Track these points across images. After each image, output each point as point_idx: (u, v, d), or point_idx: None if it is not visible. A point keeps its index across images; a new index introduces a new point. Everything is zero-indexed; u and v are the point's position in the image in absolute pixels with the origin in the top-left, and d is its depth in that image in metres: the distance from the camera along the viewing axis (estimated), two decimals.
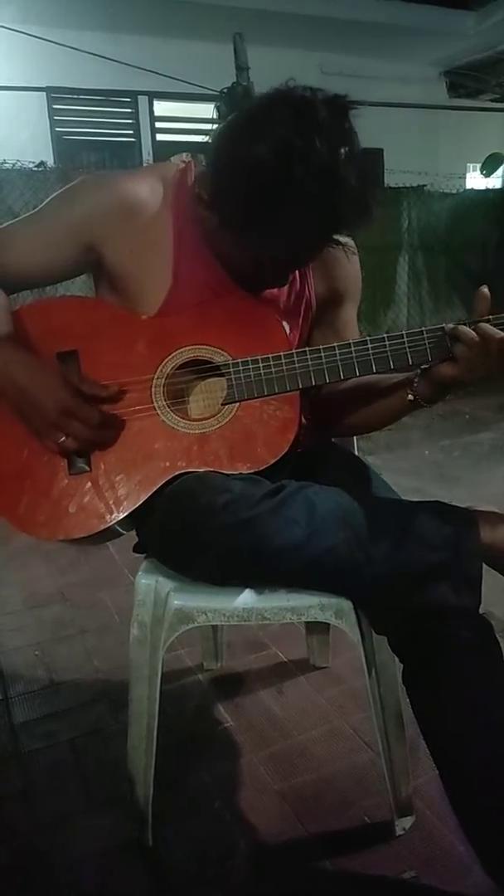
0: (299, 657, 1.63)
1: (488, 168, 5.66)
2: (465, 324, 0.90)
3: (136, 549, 1.10)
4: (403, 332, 0.93)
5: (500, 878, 0.86)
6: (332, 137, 0.82)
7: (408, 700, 0.92)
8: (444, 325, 0.91)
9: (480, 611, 0.87)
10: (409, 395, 0.99)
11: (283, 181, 0.81)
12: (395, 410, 1.04)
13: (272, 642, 1.71)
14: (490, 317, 0.89)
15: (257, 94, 0.88)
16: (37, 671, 1.64)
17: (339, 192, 0.83)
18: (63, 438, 0.94)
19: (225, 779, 1.26)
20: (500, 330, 0.87)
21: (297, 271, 1.08)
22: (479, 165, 5.85)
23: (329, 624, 0.96)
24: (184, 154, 1.05)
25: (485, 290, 0.91)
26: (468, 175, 7.28)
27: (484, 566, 0.86)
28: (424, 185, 5.60)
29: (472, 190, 6.17)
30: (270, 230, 0.87)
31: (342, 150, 0.83)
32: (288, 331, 1.03)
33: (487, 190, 5.91)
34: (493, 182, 6.02)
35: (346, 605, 0.94)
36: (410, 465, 3.24)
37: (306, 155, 0.81)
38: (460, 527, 0.85)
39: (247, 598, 0.95)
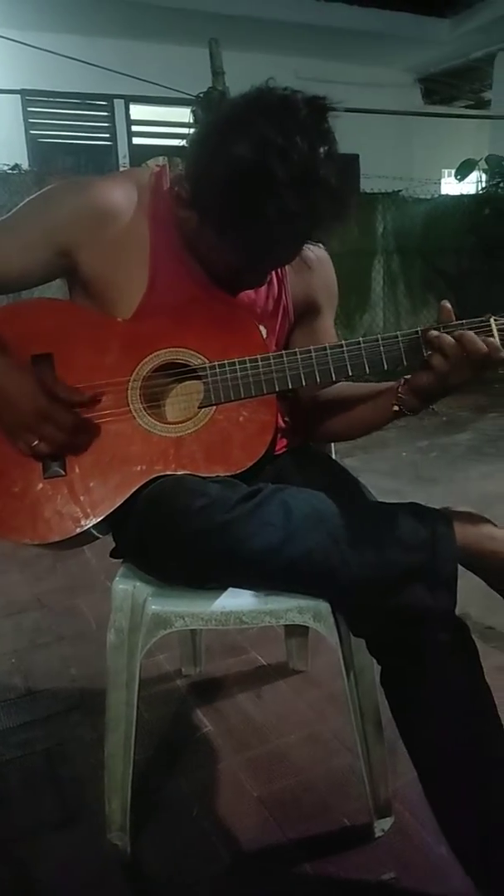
0: (278, 661, 1.62)
1: (462, 173, 5.74)
2: (439, 330, 0.90)
3: (113, 554, 1.08)
4: (378, 336, 0.93)
5: (479, 878, 0.87)
6: (311, 137, 0.83)
7: (386, 702, 0.93)
8: (418, 329, 0.92)
9: (457, 612, 0.87)
10: (395, 406, 0.98)
11: (264, 179, 0.82)
12: (379, 418, 1.04)
13: (251, 646, 1.70)
14: (463, 321, 0.90)
15: (238, 94, 0.88)
16: (13, 679, 1.61)
17: (319, 190, 0.84)
18: (36, 442, 0.93)
19: (203, 785, 1.25)
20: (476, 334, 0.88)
21: (274, 277, 1.08)
22: (453, 171, 5.93)
23: (308, 627, 0.96)
24: (160, 158, 1.05)
25: (446, 304, 0.91)
26: (443, 181, 7.38)
27: (460, 567, 0.86)
28: (400, 191, 5.66)
29: (446, 195, 6.25)
30: (251, 228, 0.87)
31: (322, 150, 0.83)
32: (265, 335, 1.03)
33: (462, 195, 5.99)
34: (467, 188, 6.10)
35: (325, 607, 0.94)
36: (388, 466, 3.26)
37: (287, 153, 0.81)
38: (436, 528, 0.85)
39: (224, 602, 0.95)
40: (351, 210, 0.89)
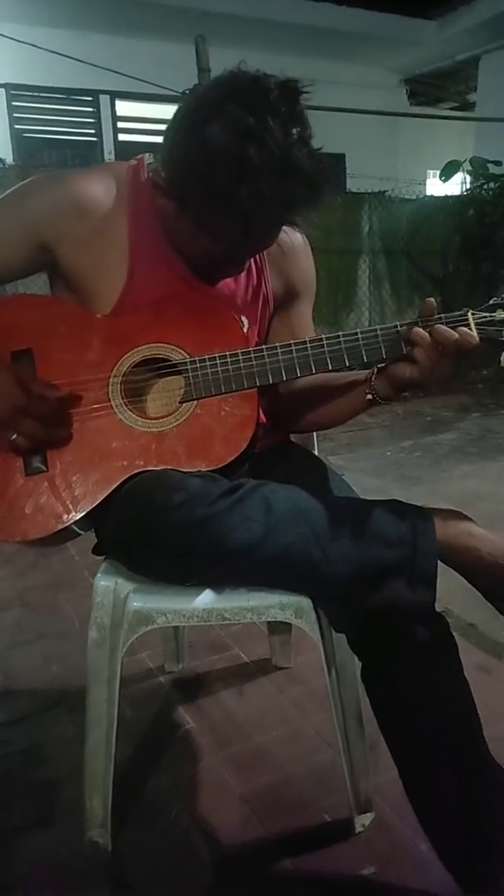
0: (262, 658, 1.63)
1: (446, 175, 5.78)
2: (418, 324, 0.91)
3: (95, 550, 1.08)
4: (358, 330, 0.94)
5: (458, 873, 0.87)
6: (284, 117, 0.83)
7: (367, 698, 0.93)
8: (398, 323, 0.92)
9: (439, 608, 0.88)
10: (368, 395, 1.00)
11: (237, 160, 0.82)
12: (354, 407, 1.05)
13: (234, 643, 1.70)
14: (442, 316, 0.90)
15: (211, 78, 0.88)
16: None
17: (292, 171, 0.84)
18: (14, 436, 0.92)
19: (185, 782, 1.25)
20: (453, 330, 0.88)
21: (254, 266, 1.08)
22: (438, 172, 5.97)
23: (291, 624, 0.96)
24: (146, 154, 1.05)
25: (431, 300, 0.92)
26: (428, 181, 7.42)
27: (443, 565, 0.87)
28: (385, 191, 5.68)
29: (431, 196, 6.29)
30: (226, 210, 0.87)
31: (294, 131, 0.84)
32: (246, 326, 1.03)
33: (447, 196, 6.02)
34: (451, 188, 6.14)
35: (306, 603, 0.94)
36: (372, 464, 3.28)
37: (259, 134, 0.81)
38: (416, 524, 0.86)
39: (206, 599, 0.95)
40: (325, 191, 0.89)
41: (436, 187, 6.85)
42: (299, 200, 0.89)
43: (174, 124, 0.89)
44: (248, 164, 0.81)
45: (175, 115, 0.89)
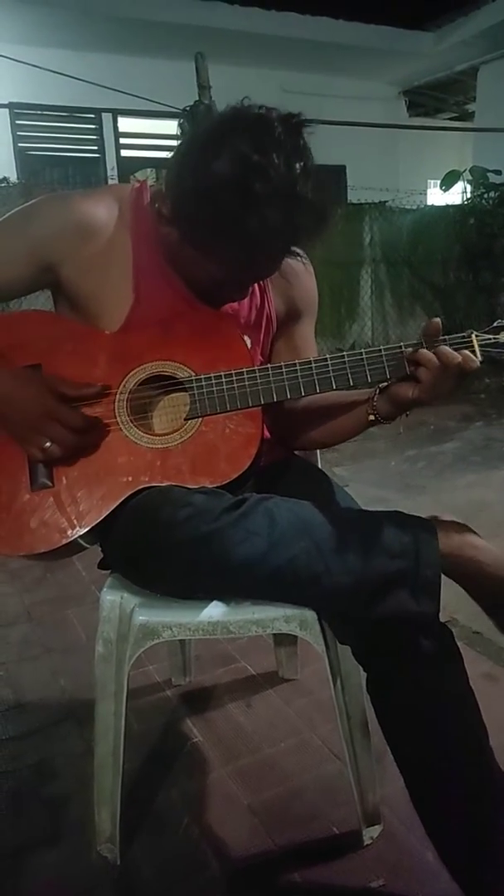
0: (268, 670, 1.63)
1: (447, 184, 5.81)
2: (422, 346, 0.92)
3: (101, 565, 1.09)
4: (362, 350, 0.95)
5: (465, 884, 0.88)
6: (288, 153, 0.85)
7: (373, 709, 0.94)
8: (402, 344, 0.94)
9: (444, 618, 0.88)
10: (371, 415, 1.01)
11: (243, 195, 0.84)
12: (356, 427, 1.06)
13: (241, 656, 1.71)
14: (446, 337, 0.92)
15: (215, 113, 0.90)
16: (1, 692, 1.61)
17: (297, 205, 0.87)
18: (48, 444, 0.94)
19: (194, 795, 1.26)
20: (456, 351, 0.90)
21: (257, 287, 1.10)
22: (438, 182, 6.00)
23: (297, 636, 0.97)
24: (148, 170, 1.07)
25: (437, 321, 0.93)
26: (429, 191, 7.46)
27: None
28: (386, 201, 5.72)
29: (432, 206, 6.32)
30: (231, 244, 0.89)
31: (298, 165, 0.86)
32: (249, 345, 1.05)
33: (447, 206, 6.05)
34: (452, 198, 6.17)
35: (311, 615, 0.95)
36: (376, 475, 3.28)
37: (264, 170, 0.83)
38: (419, 535, 0.87)
39: (212, 612, 0.96)
40: (329, 222, 0.91)
41: (436, 197, 6.89)
42: (304, 231, 0.91)
43: (179, 158, 0.91)
44: (255, 198, 0.84)
45: (179, 148, 0.91)
